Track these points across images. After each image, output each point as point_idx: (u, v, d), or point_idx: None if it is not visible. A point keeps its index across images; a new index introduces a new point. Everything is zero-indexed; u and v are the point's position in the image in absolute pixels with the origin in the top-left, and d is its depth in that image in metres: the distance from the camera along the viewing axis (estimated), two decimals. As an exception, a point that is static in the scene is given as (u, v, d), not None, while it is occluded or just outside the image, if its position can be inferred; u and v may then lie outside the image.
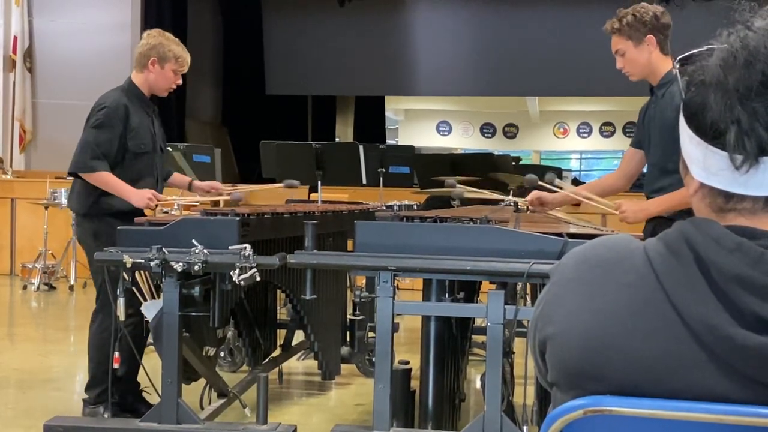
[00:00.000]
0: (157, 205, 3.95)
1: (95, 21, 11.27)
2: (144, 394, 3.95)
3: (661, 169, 3.37)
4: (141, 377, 3.81)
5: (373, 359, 2.85)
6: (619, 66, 3.48)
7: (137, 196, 3.81)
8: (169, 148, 5.93)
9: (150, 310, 3.07)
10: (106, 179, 3.81)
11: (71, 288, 8.43)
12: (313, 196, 6.54)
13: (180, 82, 4.07)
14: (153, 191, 3.89)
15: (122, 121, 3.85)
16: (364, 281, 2.81)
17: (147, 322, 3.23)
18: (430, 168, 6.77)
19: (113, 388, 3.80)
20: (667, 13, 3.44)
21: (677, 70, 1.07)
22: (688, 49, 1.07)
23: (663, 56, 3.42)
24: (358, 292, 2.76)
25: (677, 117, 1.06)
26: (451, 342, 2.98)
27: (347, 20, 14.05)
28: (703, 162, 1.03)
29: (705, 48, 1.04)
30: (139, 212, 3.87)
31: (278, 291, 4.43)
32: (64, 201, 8.16)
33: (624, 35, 3.41)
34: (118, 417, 3.89)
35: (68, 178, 4.14)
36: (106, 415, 3.73)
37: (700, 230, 1.00)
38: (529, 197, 3.61)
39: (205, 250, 2.87)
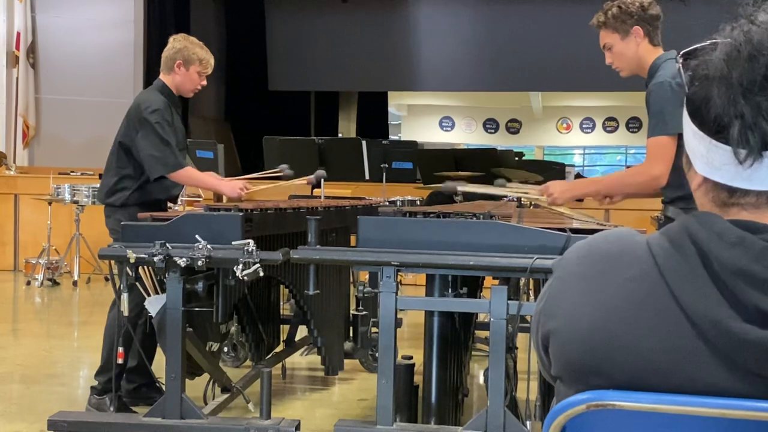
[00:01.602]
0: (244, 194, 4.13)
1: (98, 17, 11.27)
2: (159, 383, 3.97)
3: None
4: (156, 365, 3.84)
5: (377, 354, 2.85)
6: (608, 62, 3.38)
7: (230, 187, 4.06)
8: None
9: (153, 305, 3.07)
10: (194, 173, 4.07)
11: (75, 283, 8.44)
12: (316, 191, 6.53)
13: (204, 83, 4.29)
14: (244, 181, 4.13)
15: (170, 120, 4.07)
16: (367, 277, 2.81)
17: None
18: (433, 164, 6.76)
19: (118, 381, 3.84)
20: (656, 4, 3.31)
21: (680, 65, 1.07)
22: (693, 43, 1.06)
23: (652, 48, 3.29)
24: (361, 288, 2.77)
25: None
26: (454, 337, 2.98)
27: (350, 16, 14.03)
28: (706, 156, 1.03)
29: (708, 42, 1.04)
30: (169, 203, 4.10)
31: (281, 286, 4.43)
32: (67, 196, 8.17)
33: (610, 28, 3.29)
34: (132, 406, 3.96)
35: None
36: (111, 409, 3.74)
37: (702, 224, 1.00)
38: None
39: (208, 246, 2.87)
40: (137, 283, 3.12)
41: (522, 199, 3.55)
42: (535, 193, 3.44)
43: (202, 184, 4.10)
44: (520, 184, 3.55)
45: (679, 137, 3.09)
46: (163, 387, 3.91)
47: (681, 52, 1.07)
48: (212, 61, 4.30)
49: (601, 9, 3.33)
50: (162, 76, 4.22)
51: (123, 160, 4.07)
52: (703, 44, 1.04)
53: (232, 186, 4.08)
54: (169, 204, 4.31)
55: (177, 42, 4.22)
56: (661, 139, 3.11)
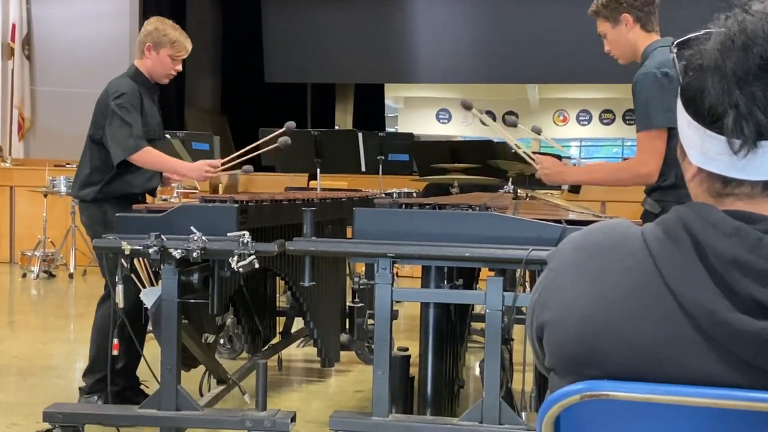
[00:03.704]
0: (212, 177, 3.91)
1: (94, 8, 11.25)
2: (143, 387, 3.93)
3: None
4: (141, 368, 3.79)
5: (372, 346, 2.86)
6: (606, 50, 3.39)
7: (194, 170, 3.83)
8: (168, 136, 5.92)
9: (149, 297, 3.07)
10: (156, 156, 3.81)
11: (71, 276, 8.44)
12: (312, 183, 6.53)
13: (179, 68, 4.02)
14: (208, 162, 3.87)
15: (139, 106, 3.85)
16: (363, 268, 2.81)
17: (145, 311, 3.24)
18: (429, 155, 6.75)
19: (111, 376, 3.78)
20: None
21: (674, 55, 1.06)
22: (688, 34, 1.06)
23: (645, 33, 3.28)
24: (357, 279, 2.76)
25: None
26: (450, 329, 2.98)
27: (346, 7, 14.00)
28: (701, 147, 1.03)
29: (702, 32, 1.03)
30: (145, 197, 3.93)
31: (277, 278, 4.43)
32: (63, 189, 8.16)
33: (602, 17, 3.31)
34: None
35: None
36: (100, 404, 3.72)
37: (697, 215, 1.00)
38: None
39: (203, 237, 2.87)
40: (133, 275, 3.11)
41: (520, 151, 3.53)
42: (532, 160, 3.45)
43: (163, 166, 3.83)
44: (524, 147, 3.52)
45: (668, 129, 3.10)
46: (146, 389, 3.88)
47: (675, 42, 1.07)
48: (188, 45, 4.00)
49: None
50: (136, 61, 4.01)
51: (94, 152, 3.90)
52: (697, 34, 1.04)
53: (196, 168, 3.83)
54: (164, 195, 4.22)
55: (149, 24, 3.99)
56: (649, 133, 3.13)
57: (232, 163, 4.03)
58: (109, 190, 3.86)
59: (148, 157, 3.79)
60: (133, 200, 3.79)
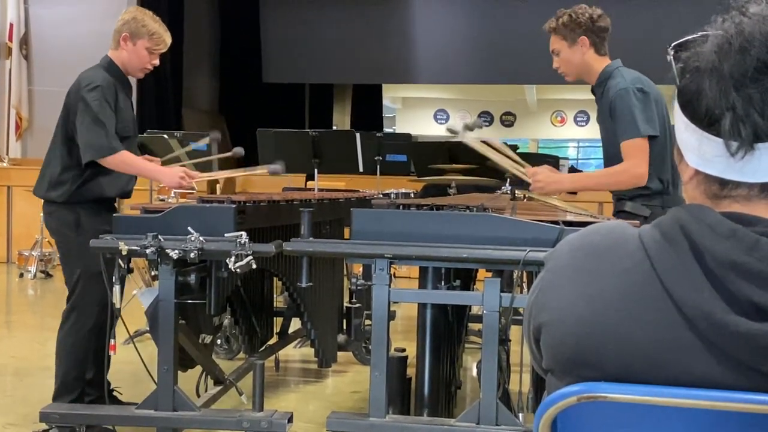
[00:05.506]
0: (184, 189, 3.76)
1: (91, 8, 11.22)
2: (115, 393, 3.82)
3: (612, 164, 3.44)
4: (138, 368, 3.75)
5: (370, 347, 2.86)
6: (555, 66, 3.55)
7: (169, 176, 3.60)
8: (165, 136, 5.90)
9: (146, 297, 3.06)
10: (130, 159, 3.55)
11: (68, 276, 8.42)
12: (310, 183, 6.52)
13: (156, 62, 3.77)
14: (185, 169, 3.66)
15: (113, 100, 3.59)
16: (360, 269, 2.81)
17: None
18: (427, 156, 6.74)
19: (89, 389, 3.61)
20: (606, 17, 3.47)
21: (672, 57, 1.07)
22: (684, 37, 1.06)
23: (598, 57, 3.46)
24: (354, 280, 2.76)
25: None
26: (448, 330, 2.98)
27: (345, 8, 14.00)
28: (698, 149, 1.03)
29: (699, 34, 1.04)
30: (121, 199, 3.79)
31: (275, 279, 4.43)
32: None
33: (559, 35, 3.48)
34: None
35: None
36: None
37: (694, 217, 1.00)
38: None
39: (201, 238, 2.87)
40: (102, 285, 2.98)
41: (512, 173, 3.57)
42: (523, 174, 3.48)
43: (137, 170, 3.58)
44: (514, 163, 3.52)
45: (650, 137, 3.30)
46: (120, 396, 3.81)
47: (672, 44, 1.07)
48: (167, 38, 3.74)
49: (554, 15, 3.52)
50: (110, 52, 3.74)
51: (65, 149, 3.64)
52: (694, 36, 1.04)
53: (171, 173, 3.60)
54: (162, 195, 4.15)
55: (127, 14, 3.74)
56: (637, 141, 3.28)
57: (210, 177, 3.97)
58: (83, 191, 3.59)
59: (122, 161, 3.54)
60: (108, 204, 3.63)
